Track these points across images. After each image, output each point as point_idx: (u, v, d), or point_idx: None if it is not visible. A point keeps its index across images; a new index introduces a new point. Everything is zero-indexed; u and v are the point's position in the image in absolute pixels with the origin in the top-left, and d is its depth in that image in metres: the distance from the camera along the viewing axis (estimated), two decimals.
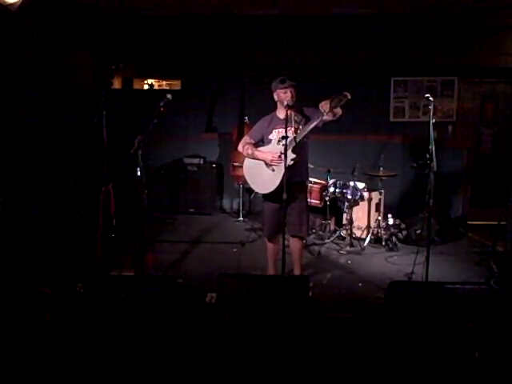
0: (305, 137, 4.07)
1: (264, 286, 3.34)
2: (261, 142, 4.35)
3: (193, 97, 7.51)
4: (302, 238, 4.49)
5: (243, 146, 4.32)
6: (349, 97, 3.87)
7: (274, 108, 4.32)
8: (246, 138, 4.40)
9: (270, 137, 4.24)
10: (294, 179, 4.07)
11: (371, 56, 7.17)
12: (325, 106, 3.90)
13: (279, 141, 4.03)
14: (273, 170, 4.13)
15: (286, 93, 4.09)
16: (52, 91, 6.22)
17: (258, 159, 4.22)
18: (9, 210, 4.72)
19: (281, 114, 4.18)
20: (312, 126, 4.00)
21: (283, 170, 3.81)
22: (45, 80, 6.10)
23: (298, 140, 3.99)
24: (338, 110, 3.96)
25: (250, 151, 4.25)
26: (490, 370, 2.93)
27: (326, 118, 3.95)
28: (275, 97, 4.21)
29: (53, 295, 3.75)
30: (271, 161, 4.10)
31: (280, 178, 3.99)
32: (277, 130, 4.18)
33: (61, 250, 4.89)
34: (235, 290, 3.26)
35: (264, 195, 4.30)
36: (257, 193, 4.65)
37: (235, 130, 6.96)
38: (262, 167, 4.21)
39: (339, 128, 6.20)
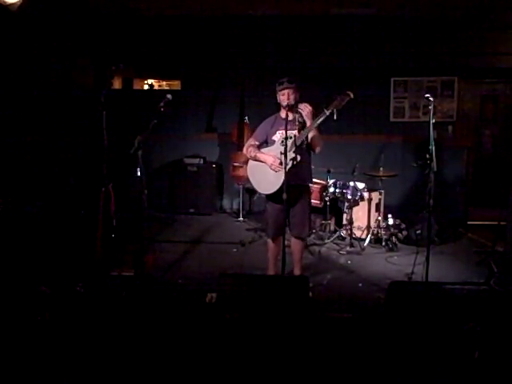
0: (306, 137, 4.09)
1: (264, 286, 3.34)
2: (265, 143, 4.38)
3: (193, 97, 7.51)
4: (303, 240, 4.51)
5: (247, 149, 4.37)
6: (351, 96, 3.88)
7: (278, 109, 4.34)
8: (250, 141, 4.44)
9: (274, 138, 4.27)
10: (296, 181, 4.09)
11: (371, 56, 7.17)
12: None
13: (282, 141, 4.04)
14: (275, 171, 4.16)
15: (283, 95, 4.14)
16: (52, 91, 6.22)
17: (260, 161, 4.27)
18: (9, 210, 4.71)
19: (283, 114, 4.21)
20: (313, 126, 4.01)
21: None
22: (45, 80, 6.10)
23: (299, 141, 4.02)
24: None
25: (252, 153, 4.30)
26: (490, 371, 2.93)
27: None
28: (277, 98, 4.26)
29: (53, 295, 3.76)
30: (271, 165, 4.15)
31: (282, 179, 3.99)
32: (280, 131, 4.19)
33: (61, 250, 4.89)
34: (235, 289, 3.26)
35: (267, 196, 4.33)
36: (260, 194, 4.67)
37: (235, 130, 6.96)
38: (265, 168, 4.24)
39: (339, 128, 6.21)
